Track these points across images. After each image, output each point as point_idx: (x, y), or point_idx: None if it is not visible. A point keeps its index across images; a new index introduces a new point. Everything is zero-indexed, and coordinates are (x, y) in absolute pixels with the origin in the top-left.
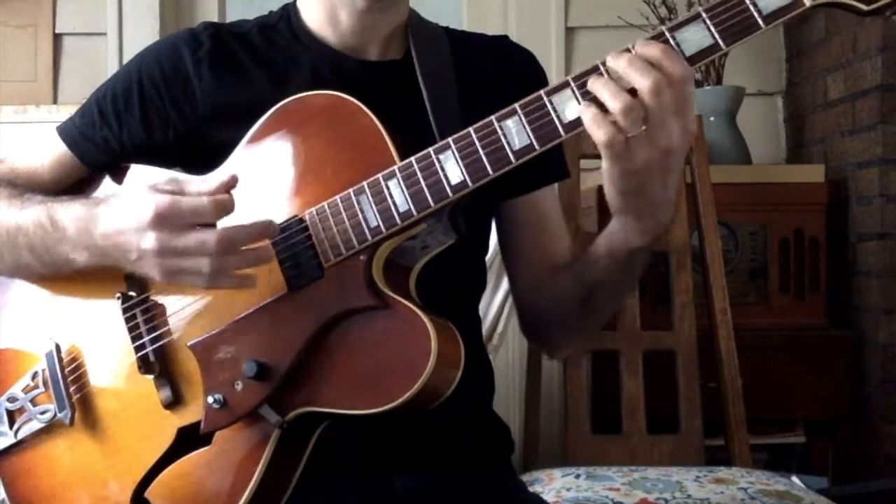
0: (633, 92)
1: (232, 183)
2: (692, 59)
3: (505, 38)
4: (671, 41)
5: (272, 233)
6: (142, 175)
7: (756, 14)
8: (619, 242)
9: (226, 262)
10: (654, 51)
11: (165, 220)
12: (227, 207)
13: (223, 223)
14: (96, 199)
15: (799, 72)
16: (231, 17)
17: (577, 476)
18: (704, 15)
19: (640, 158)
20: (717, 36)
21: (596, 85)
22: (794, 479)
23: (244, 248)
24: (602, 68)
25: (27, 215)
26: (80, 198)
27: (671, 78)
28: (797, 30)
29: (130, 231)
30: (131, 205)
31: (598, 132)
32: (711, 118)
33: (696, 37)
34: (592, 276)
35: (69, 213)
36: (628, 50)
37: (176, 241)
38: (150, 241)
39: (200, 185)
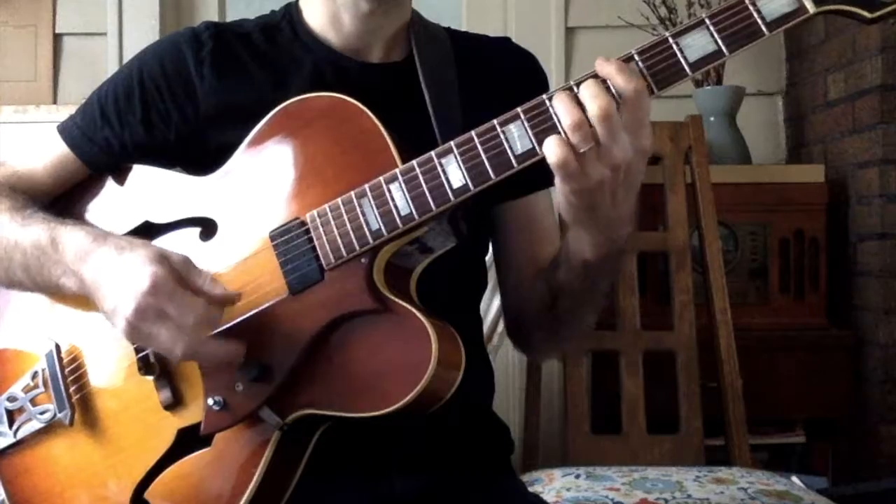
0: None
1: (234, 301)
2: (695, 65)
3: (507, 40)
4: (674, 47)
5: (237, 363)
6: (145, 183)
7: (760, 21)
8: (573, 253)
9: (189, 359)
10: (609, 69)
11: (153, 298)
12: (211, 327)
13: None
14: (104, 233)
15: (799, 72)
16: (231, 17)
17: (577, 476)
18: (708, 21)
19: (593, 176)
20: (720, 42)
21: (556, 99)
22: (794, 479)
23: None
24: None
25: (27, 233)
26: (87, 225)
27: (623, 96)
28: (797, 30)
29: (117, 287)
30: (134, 264)
31: (550, 151)
32: (711, 118)
33: (699, 42)
34: (555, 282)
35: (72, 237)
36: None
37: (151, 324)
38: (129, 307)
39: (205, 285)
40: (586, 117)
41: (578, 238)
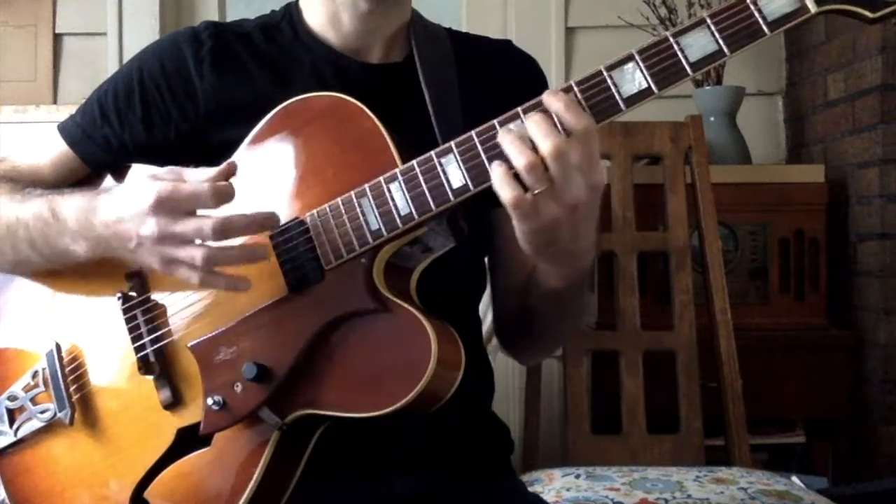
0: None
1: (231, 171)
2: (696, 65)
3: (508, 42)
4: (675, 46)
5: (272, 224)
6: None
7: (761, 20)
8: (540, 281)
9: (220, 252)
10: (557, 105)
11: (165, 205)
12: (226, 194)
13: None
14: (98, 190)
15: (799, 72)
16: (231, 16)
17: (577, 476)
18: (709, 20)
19: (547, 216)
20: (721, 42)
21: (504, 141)
22: (794, 479)
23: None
24: (605, 73)
25: (28, 208)
26: (83, 189)
27: (573, 134)
28: (797, 30)
29: (130, 218)
30: (132, 192)
31: (504, 191)
32: (711, 118)
33: (700, 42)
34: (526, 305)
35: (70, 203)
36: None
37: (174, 226)
38: (149, 227)
39: (200, 174)
40: (539, 158)
41: (542, 270)
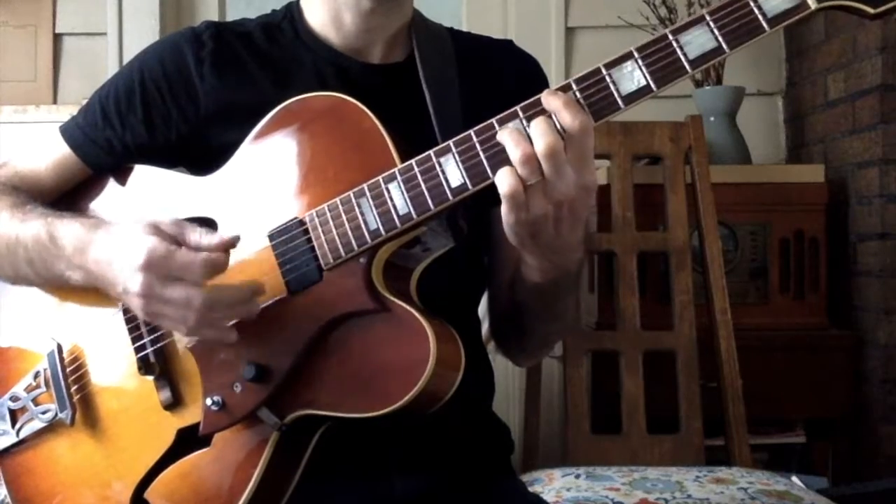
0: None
1: (234, 244)
2: (695, 63)
3: (510, 42)
4: (674, 44)
5: (260, 291)
6: (146, 183)
7: (760, 17)
8: (525, 274)
9: (208, 318)
10: (555, 103)
11: (154, 267)
12: (218, 268)
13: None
14: (97, 222)
15: (799, 72)
16: (231, 16)
17: (577, 476)
18: (708, 17)
19: (535, 210)
20: (720, 39)
21: (503, 134)
22: (794, 479)
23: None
24: (604, 71)
25: (28, 228)
26: (82, 217)
27: (568, 132)
28: (797, 30)
29: (120, 267)
30: (127, 241)
31: (503, 181)
32: (711, 118)
33: (699, 39)
34: (514, 299)
35: (69, 231)
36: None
37: (161, 289)
38: (136, 282)
39: (200, 238)
40: (534, 152)
41: (525, 262)
